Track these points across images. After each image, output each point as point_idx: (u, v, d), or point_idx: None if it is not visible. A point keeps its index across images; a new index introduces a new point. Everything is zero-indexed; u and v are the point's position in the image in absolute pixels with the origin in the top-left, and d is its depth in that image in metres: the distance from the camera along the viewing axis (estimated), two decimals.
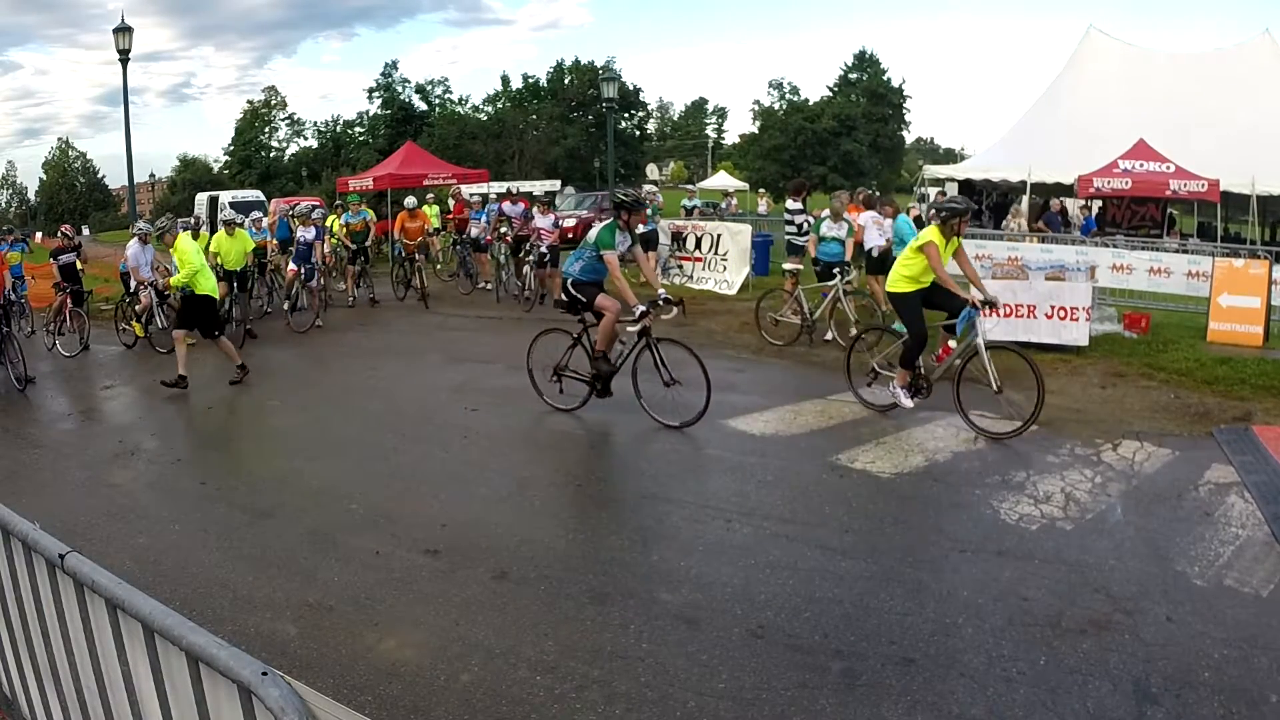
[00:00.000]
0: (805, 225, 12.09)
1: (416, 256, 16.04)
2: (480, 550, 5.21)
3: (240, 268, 13.13)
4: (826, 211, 11.61)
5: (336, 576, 4.95)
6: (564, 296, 7.98)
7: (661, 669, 3.90)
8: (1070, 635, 4.10)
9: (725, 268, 15.42)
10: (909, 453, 6.84)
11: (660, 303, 7.69)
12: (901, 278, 7.69)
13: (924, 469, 6.51)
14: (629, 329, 7.74)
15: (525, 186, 25.30)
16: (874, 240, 12.11)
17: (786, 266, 12.24)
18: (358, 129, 61.09)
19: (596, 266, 7.81)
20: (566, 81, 59.58)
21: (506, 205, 16.88)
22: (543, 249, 14.33)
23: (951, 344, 8.11)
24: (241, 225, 13.39)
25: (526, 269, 14.88)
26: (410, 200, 17.16)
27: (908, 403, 7.72)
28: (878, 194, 19.86)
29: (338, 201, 18.66)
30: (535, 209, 15.54)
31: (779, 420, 7.81)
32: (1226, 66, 22.42)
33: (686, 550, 5.13)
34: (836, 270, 10.86)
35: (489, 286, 16.52)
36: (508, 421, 8.03)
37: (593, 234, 7.91)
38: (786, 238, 12.56)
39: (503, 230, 15.86)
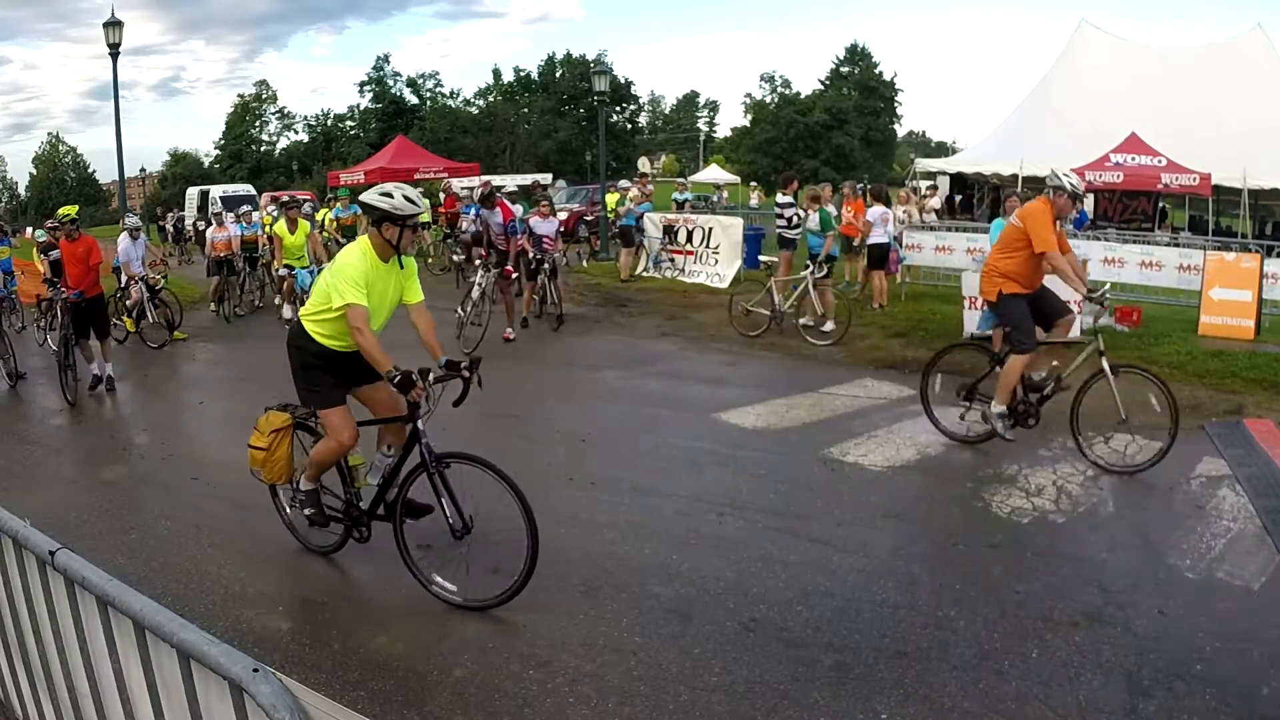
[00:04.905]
0: (795, 219, 12.18)
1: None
2: (472, 543, 5.18)
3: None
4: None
5: (329, 571, 4.93)
6: None
7: (654, 662, 3.90)
8: (1062, 628, 4.11)
9: (717, 261, 15.42)
10: (901, 446, 6.85)
11: None
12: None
13: (916, 462, 6.52)
14: None
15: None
16: (879, 237, 12.20)
17: (763, 259, 12.37)
18: (349, 123, 61.04)
19: None
20: (558, 75, 59.56)
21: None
22: (545, 262, 11.95)
23: None
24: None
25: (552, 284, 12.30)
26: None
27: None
28: (862, 185, 19.87)
29: (329, 195, 18.57)
30: (542, 207, 12.56)
31: (771, 413, 7.81)
32: (1218, 61, 22.51)
33: (679, 544, 5.13)
34: (807, 262, 11.08)
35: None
36: (497, 413, 8.00)
37: None
38: (777, 231, 12.62)
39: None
